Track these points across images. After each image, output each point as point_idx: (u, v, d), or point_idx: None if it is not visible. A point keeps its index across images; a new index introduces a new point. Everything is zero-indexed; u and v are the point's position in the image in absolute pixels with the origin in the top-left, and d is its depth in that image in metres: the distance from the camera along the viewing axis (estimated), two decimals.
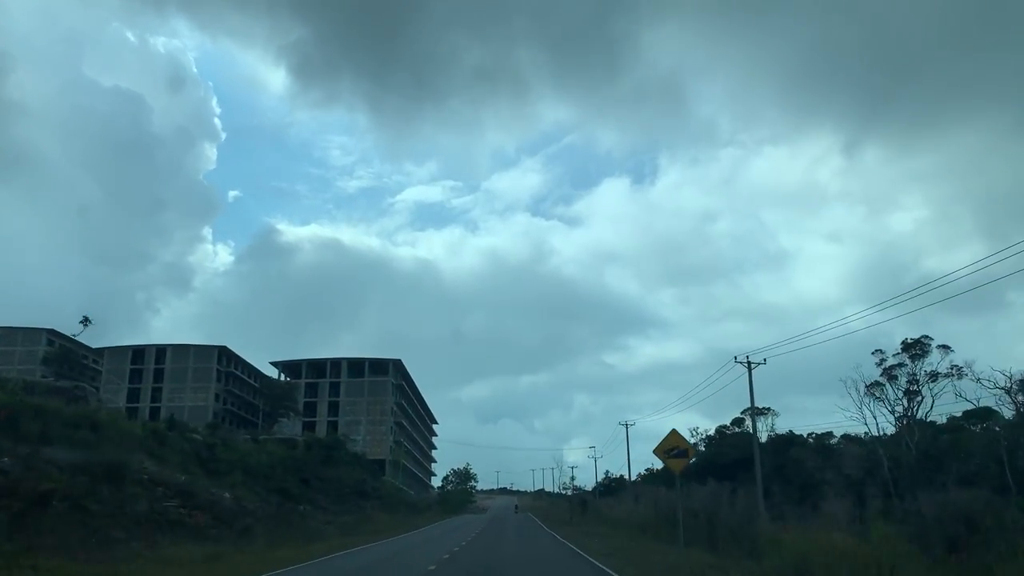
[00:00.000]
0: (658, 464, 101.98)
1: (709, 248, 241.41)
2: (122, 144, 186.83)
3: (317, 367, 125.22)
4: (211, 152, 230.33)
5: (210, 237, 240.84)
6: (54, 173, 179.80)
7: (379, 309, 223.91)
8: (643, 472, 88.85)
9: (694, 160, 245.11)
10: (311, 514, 44.65)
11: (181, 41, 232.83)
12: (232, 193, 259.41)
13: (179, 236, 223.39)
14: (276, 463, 58.13)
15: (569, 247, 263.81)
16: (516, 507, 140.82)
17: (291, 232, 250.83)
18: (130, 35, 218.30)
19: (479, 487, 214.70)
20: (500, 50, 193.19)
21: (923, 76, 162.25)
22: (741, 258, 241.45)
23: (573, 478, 74.82)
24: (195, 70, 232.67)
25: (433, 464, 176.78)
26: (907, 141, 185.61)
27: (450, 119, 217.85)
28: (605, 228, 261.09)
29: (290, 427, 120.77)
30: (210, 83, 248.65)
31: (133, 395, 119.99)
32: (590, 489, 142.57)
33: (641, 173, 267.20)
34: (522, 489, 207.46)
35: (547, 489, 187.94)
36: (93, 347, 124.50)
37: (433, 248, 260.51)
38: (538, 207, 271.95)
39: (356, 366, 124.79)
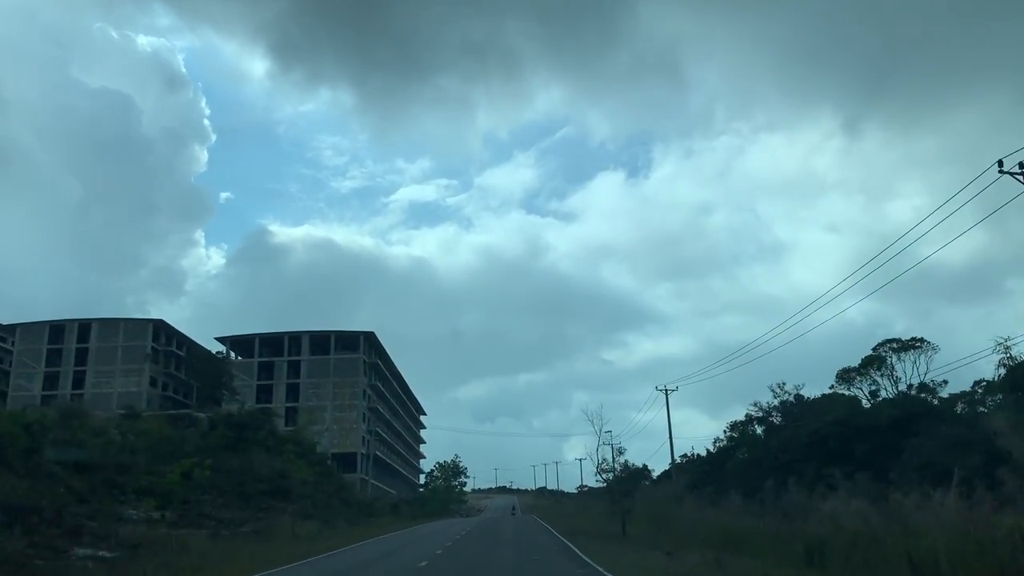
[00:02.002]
0: (700, 447, 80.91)
1: (705, 241, 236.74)
2: (111, 146, 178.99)
3: (272, 343, 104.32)
4: (202, 154, 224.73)
5: (203, 240, 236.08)
6: (42, 175, 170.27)
7: (374, 309, 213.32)
8: (678, 459, 67.97)
9: (689, 151, 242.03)
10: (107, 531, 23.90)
11: (168, 40, 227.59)
12: (224, 195, 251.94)
13: (171, 239, 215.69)
14: (142, 449, 37.62)
15: (564, 243, 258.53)
16: (514, 508, 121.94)
17: (284, 233, 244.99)
18: (115, 34, 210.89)
19: (475, 486, 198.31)
20: (490, 23, 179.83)
21: (924, 52, 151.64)
22: (738, 250, 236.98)
23: (621, 451, 48.73)
24: (184, 70, 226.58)
25: (422, 460, 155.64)
26: (907, 123, 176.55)
27: (439, 98, 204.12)
28: (600, 223, 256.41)
29: None
30: (199, 83, 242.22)
31: (51, 380, 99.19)
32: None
33: (635, 166, 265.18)
34: (522, 488, 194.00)
35: (548, 487, 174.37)
36: (4, 324, 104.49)
37: (427, 246, 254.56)
38: (532, 203, 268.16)
39: (320, 341, 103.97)
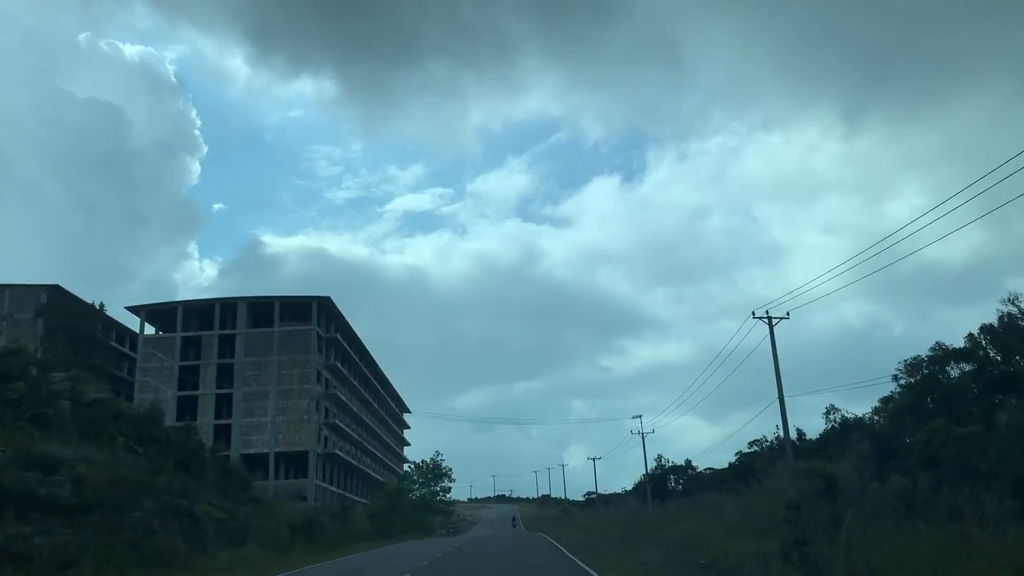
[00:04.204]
0: (708, 458, 59.67)
1: (702, 244, 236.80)
2: (102, 158, 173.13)
3: (200, 313, 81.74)
4: (193, 165, 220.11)
5: (196, 253, 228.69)
6: (30, 188, 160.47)
7: (369, 318, 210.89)
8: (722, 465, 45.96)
9: (683, 154, 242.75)
10: None
11: (156, 48, 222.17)
12: (216, 206, 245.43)
13: (163, 252, 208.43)
14: None
15: (559, 248, 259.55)
16: (515, 520, 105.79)
17: (277, 243, 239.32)
18: (102, 43, 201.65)
19: (472, 495, 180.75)
20: (481, 3, 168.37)
21: (924, 45, 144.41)
22: (735, 254, 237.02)
23: None
24: (174, 80, 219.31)
25: (406, 465, 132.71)
26: (906, 119, 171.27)
27: (428, 84, 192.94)
28: (595, 228, 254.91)
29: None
30: (189, 94, 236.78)
31: None
32: (631, 488, 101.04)
33: (630, 169, 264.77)
34: (523, 496, 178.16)
35: (553, 495, 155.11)
36: None
37: (422, 254, 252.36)
38: (526, 208, 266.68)
39: (260, 310, 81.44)
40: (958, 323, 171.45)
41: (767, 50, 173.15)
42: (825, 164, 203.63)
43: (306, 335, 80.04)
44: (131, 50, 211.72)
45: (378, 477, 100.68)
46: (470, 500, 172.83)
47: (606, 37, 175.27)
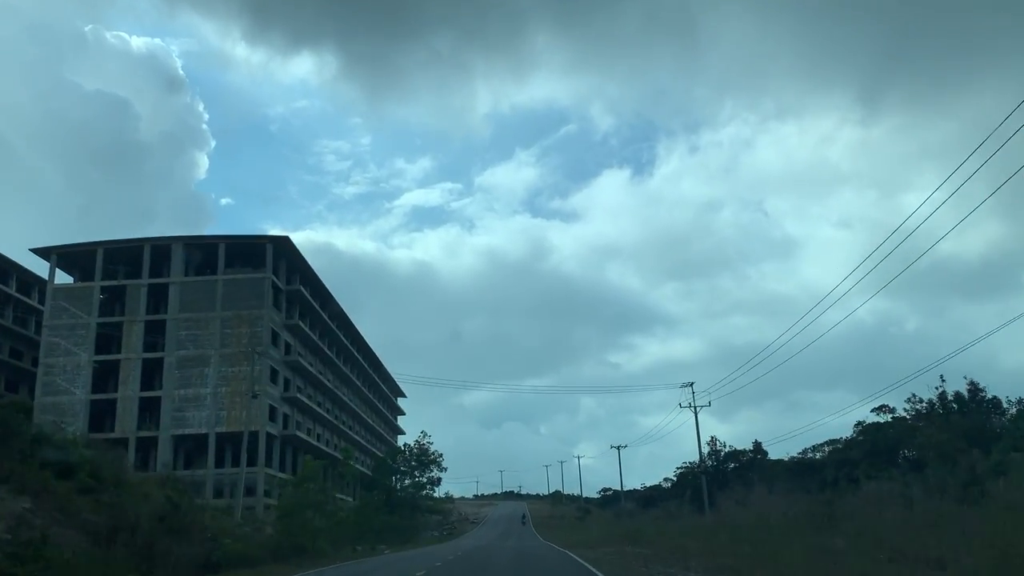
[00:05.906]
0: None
1: (713, 238, 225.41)
2: (109, 152, 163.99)
3: (127, 256, 64.92)
4: (201, 160, 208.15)
5: None
6: (37, 182, 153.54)
7: (377, 314, 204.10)
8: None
9: (694, 147, 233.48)
10: None
11: (163, 40, 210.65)
12: (224, 200, 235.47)
13: None
14: None
15: (568, 243, 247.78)
16: (524, 517, 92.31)
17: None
18: (108, 35, 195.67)
19: (479, 491, 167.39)
20: None
21: (944, 28, 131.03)
22: (746, 248, 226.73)
23: None
24: (181, 72, 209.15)
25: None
26: (923, 108, 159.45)
27: (433, 58, 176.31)
28: (605, 222, 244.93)
29: (65, 378, 61.15)
30: (197, 87, 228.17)
31: None
32: (660, 482, 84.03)
33: (639, 162, 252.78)
34: (532, 492, 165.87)
35: (565, 492, 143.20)
36: None
37: (430, 249, 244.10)
38: (534, 202, 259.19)
39: (202, 254, 64.69)
40: (976, 319, 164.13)
41: (781, 32, 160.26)
42: (840, 155, 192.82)
43: (258, 284, 63.23)
44: (138, 42, 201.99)
45: (361, 468, 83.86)
46: (476, 497, 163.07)
47: (617, 13, 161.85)
